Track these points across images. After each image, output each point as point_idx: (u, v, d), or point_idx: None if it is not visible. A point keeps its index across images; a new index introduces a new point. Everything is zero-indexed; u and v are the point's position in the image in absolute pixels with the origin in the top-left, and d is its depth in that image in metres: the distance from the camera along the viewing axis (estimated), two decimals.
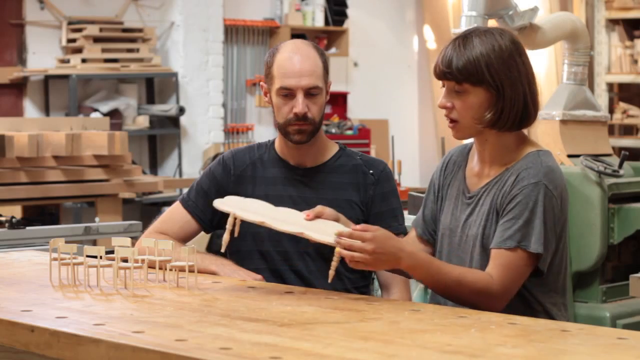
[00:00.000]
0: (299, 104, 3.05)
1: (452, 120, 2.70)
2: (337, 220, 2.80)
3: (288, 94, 3.07)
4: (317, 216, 2.77)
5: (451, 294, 2.66)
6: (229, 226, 2.75)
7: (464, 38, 2.68)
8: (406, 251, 2.62)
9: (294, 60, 3.07)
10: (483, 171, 2.76)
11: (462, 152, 2.88)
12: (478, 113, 2.67)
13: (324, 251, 2.96)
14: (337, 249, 2.64)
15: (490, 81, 2.64)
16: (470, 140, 2.81)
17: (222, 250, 2.80)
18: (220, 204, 2.84)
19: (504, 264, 2.61)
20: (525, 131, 2.79)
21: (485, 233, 2.69)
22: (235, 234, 2.77)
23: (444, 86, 2.72)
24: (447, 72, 2.66)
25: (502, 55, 2.65)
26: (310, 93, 3.07)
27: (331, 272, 2.67)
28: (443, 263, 2.69)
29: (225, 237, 2.75)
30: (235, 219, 2.77)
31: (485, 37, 2.67)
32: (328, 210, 2.80)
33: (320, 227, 2.75)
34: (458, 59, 2.64)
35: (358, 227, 2.62)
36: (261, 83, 3.21)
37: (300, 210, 3.07)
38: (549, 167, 2.67)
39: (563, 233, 2.72)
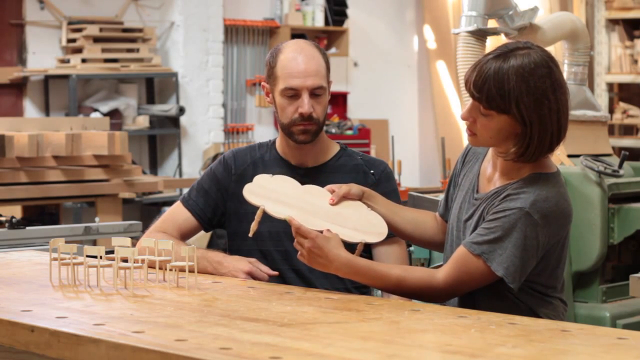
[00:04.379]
0: (305, 104, 3.06)
1: (471, 132, 2.69)
2: (362, 195, 2.87)
3: (293, 94, 3.07)
4: (344, 197, 2.84)
5: (395, 293, 2.75)
6: (257, 218, 2.82)
7: (504, 59, 2.59)
8: (342, 261, 2.70)
9: (298, 60, 3.07)
10: (493, 177, 2.75)
11: None
12: (500, 135, 2.64)
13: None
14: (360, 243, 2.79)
15: (517, 116, 2.59)
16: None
17: (250, 235, 2.86)
18: (249, 193, 2.89)
19: (460, 264, 2.64)
20: None
21: None
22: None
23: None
24: (476, 96, 2.62)
25: (536, 92, 2.58)
26: (315, 93, 3.07)
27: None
28: (381, 266, 2.75)
29: (254, 226, 2.83)
30: (263, 211, 2.84)
31: (522, 63, 2.58)
32: (353, 190, 2.85)
33: (346, 216, 2.83)
34: (490, 86, 2.58)
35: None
36: (263, 83, 3.21)
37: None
38: (543, 195, 2.62)
39: (556, 251, 2.69)
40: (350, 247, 2.77)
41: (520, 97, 2.57)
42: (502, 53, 2.62)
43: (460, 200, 2.81)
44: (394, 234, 2.98)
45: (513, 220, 2.59)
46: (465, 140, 2.84)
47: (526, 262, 2.61)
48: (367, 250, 3.11)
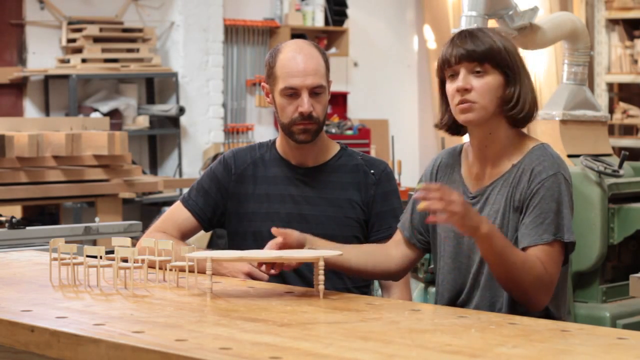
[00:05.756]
0: (305, 103, 3.06)
1: (469, 102, 2.71)
2: (303, 243, 2.79)
3: (293, 93, 3.07)
4: (285, 241, 2.75)
5: (512, 274, 2.58)
6: (209, 272, 2.63)
7: (475, 29, 2.75)
8: (484, 218, 2.59)
9: (297, 59, 3.08)
10: (484, 170, 2.76)
11: (452, 154, 2.88)
12: (497, 94, 2.70)
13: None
14: (320, 263, 2.62)
15: (509, 64, 2.70)
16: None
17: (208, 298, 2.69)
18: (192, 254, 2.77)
19: (546, 260, 2.62)
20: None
21: (503, 231, 2.69)
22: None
23: (451, 74, 2.73)
24: (471, 52, 2.69)
25: (513, 45, 2.75)
26: (314, 92, 3.07)
27: (321, 288, 2.65)
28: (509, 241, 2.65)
29: (209, 283, 2.64)
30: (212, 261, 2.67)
31: (491, 29, 2.77)
32: (295, 234, 2.78)
33: (294, 252, 2.76)
34: (480, 42, 2.70)
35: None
36: (262, 84, 3.21)
37: (301, 209, 3.10)
38: (560, 158, 2.73)
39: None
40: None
41: (505, 46, 2.71)
42: (469, 29, 2.76)
43: None
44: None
45: (555, 185, 2.66)
46: (465, 140, 2.85)
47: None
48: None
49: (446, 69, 2.73)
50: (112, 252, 2.79)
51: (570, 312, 2.86)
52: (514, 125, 2.75)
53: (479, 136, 2.76)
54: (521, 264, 2.58)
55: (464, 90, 2.70)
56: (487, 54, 2.69)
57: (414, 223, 2.89)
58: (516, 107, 2.71)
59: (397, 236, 2.93)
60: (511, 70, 2.71)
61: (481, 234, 2.54)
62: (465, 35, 2.72)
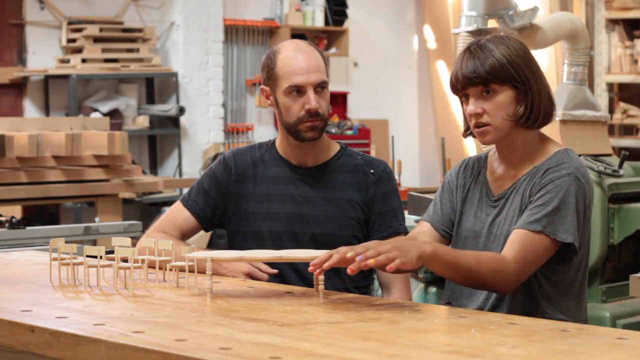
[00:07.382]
0: (312, 100, 3.06)
1: (482, 125, 2.72)
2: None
3: (297, 91, 3.07)
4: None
5: (470, 275, 2.59)
6: (209, 272, 2.64)
7: (477, 46, 2.72)
8: (420, 240, 2.71)
9: (299, 57, 3.08)
10: (508, 173, 2.79)
11: (479, 159, 2.91)
12: (509, 111, 2.70)
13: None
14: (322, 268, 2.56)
15: (516, 77, 2.69)
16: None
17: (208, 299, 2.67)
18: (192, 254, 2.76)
19: (523, 244, 2.62)
20: None
21: None
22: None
23: (463, 96, 2.74)
24: (473, 77, 2.69)
25: (519, 53, 2.72)
26: (318, 88, 3.08)
27: (321, 288, 2.64)
28: (456, 250, 2.68)
29: (209, 283, 2.64)
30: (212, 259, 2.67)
31: (496, 40, 2.73)
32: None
33: (294, 252, 2.79)
34: (482, 63, 2.68)
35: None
36: (262, 87, 3.20)
37: (301, 209, 3.10)
38: (579, 163, 2.73)
39: (587, 228, 2.76)
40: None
41: (510, 58, 2.70)
42: (474, 44, 2.74)
43: (474, 211, 2.83)
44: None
45: (565, 186, 2.66)
46: (465, 141, 2.86)
47: (580, 227, 2.67)
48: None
49: (457, 92, 2.75)
50: (112, 252, 2.79)
51: (587, 319, 2.85)
52: (532, 128, 2.76)
53: (501, 146, 2.80)
54: (476, 264, 2.58)
55: (476, 115, 2.71)
56: (490, 74, 2.68)
57: (444, 217, 2.89)
58: (529, 119, 2.72)
59: (423, 228, 2.91)
60: (520, 82, 2.70)
61: (428, 255, 2.51)
62: (468, 56, 2.71)
